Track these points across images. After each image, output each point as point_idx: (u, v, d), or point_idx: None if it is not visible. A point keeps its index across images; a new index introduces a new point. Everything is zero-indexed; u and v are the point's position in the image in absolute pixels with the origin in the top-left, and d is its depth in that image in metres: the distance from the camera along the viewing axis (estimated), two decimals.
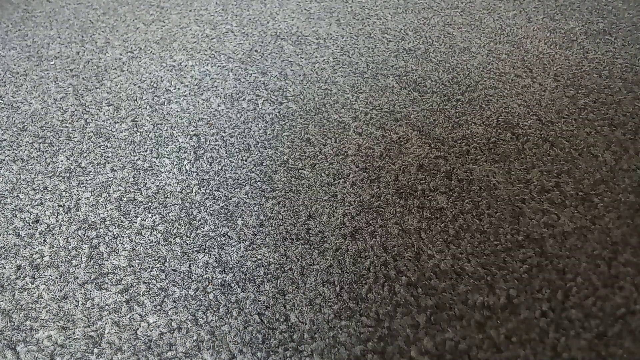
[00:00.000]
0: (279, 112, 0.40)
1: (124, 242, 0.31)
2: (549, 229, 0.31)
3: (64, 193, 0.34)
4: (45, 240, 0.31)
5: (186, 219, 0.32)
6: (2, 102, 0.43)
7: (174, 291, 0.28)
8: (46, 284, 0.29)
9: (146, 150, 0.37)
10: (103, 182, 0.35)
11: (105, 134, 0.39)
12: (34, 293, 0.28)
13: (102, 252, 0.30)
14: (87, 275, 0.29)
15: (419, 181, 0.34)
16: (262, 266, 0.29)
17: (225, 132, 0.38)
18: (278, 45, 0.47)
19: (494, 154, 0.35)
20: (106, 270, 0.29)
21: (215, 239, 0.30)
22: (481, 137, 0.37)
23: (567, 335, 0.26)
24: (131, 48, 0.49)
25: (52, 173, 0.36)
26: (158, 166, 0.36)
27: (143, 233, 0.31)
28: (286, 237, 0.30)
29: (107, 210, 0.33)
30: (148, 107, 0.41)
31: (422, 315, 0.26)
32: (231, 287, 0.28)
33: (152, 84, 0.44)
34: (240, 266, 0.29)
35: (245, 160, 0.36)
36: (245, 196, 0.33)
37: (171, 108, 0.41)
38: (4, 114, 0.42)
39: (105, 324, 0.27)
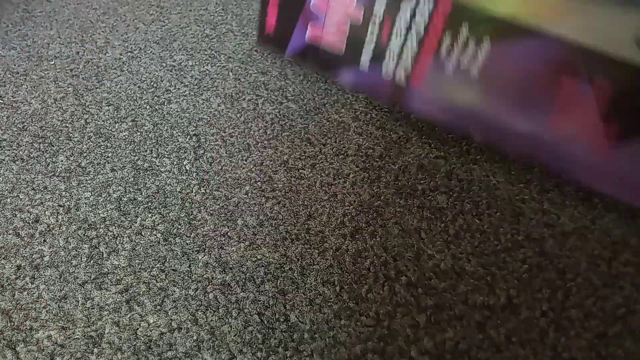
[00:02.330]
0: (279, 112, 0.40)
1: (124, 242, 0.31)
2: (549, 228, 0.31)
3: (64, 193, 0.34)
4: (45, 240, 0.31)
5: (186, 219, 0.32)
6: (2, 102, 0.43)
7: (174, 291, 0.28)
8: (46, 284, 0.29)
9: (146, 150, 0.37)
10: (103, 182, 0.35)
11: (105, 133, 0.39)
12: (34, 293, 0.28)
13: (102, 252, 0.30)
14: (87, 275, 0.29)
15: (419, 181, 0.34)
16: (262, 266, 0.29)
17: (225, 132, 0.38)
18: None
19: (494, 153, 0.35)
20: (106, 270, 0.29)
21: (215, 239, 0.30)
22: None
23: (567, 335, 0.26)
24: (131, 48, 0.49)
25: (52, 173, 0.36)
26: (158, 166, 0.36)
27: (143, 233, 0.31)
28: (286, 237, 0.30)
29: (107, 210, 0.33)
30: (148, 107, 0.41)
31: (422, 315, 0.26)
32: (231, 287, 0.28)
33: (152, 84, 0.44)
34: (240, 266, 0.29)
35: (245, 160, 0.36)
36: (245, 196, 0.33)
37: (171, 108, 0.41)
38: (3, 114, 0.42)
39: (105, 324, 0.27)
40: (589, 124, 0.28)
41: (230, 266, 0.29)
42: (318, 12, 0.34)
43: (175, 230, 0.31)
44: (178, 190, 0.34)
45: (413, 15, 0.31)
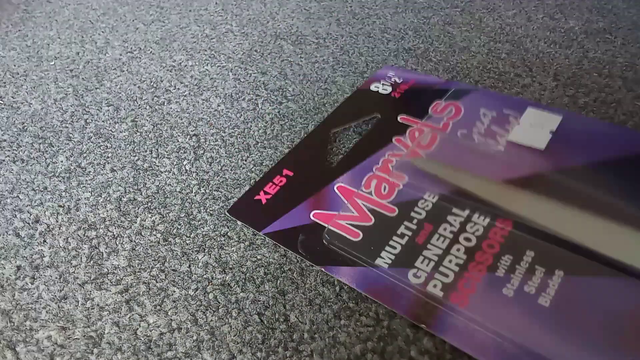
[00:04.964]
0: (278, 111, 0.40)
1: (123, 242, 0.31)
2: None
3: (63, 193, 0.34)
4: (45, 241, 0.31)
5: (186, 219, 0.32)
6: (2, 102, 0.43)
7: (174, 291, 0.28)
8: (46, 284, 0.29)
9: (146, 151, 0.37)
10: (103, 182, 0.35)
11: (105, 134, 0.39)
12: (33, 293, 0.28)
13: (102, 252, 0.30)
14: (87, 276, 0.29)
15: None
16: (262, 266, 0.29)
17: (225, 132, 0.38)
18: (278, 45, 0.47)
19: None
20: (106, 270, 0.29)
21: (215, 239, 0.30)
22: None
23: None
24: (131, 48, 0.49)
25: (52, 173, 0.36)
26: (158, 166, 0.36)
27: (143, 233, 0.31)
28: None
29: (107, 211, 0.33)
30: (148, 107, 0.41)
31: None
32: (231, 287, 0.28)
33: (152, 84, 0.44)
34: (240, 266, 0.29)
35: (245, 160, 0.36)
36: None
37: (171, 108, 0.41)
38: (3, 115, 0.42)
39: (105, 324, 0.27)
40: None
41: (230, 266, 0.29)
42: (338, 198, 0.30)
43: (175, 230, 0.31)
44: (178, 190, 0.34)
45: (462, 229, 0.27)
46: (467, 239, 0.26)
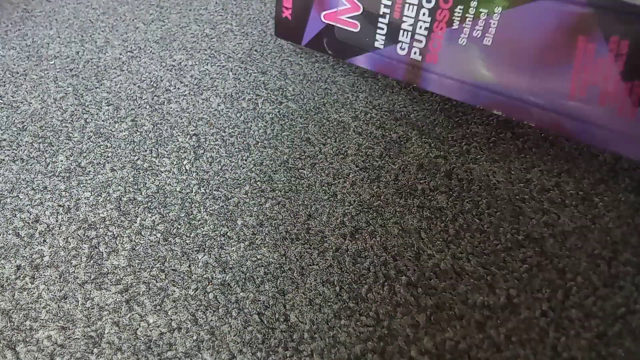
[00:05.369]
0: (278, 111, 0.40)
1: (123, 242, 0.31)
2: (549, 228, 0.31)
3: (63, 193, 0.34)
4: (45, 240, 0.31)
5: (186, 219, 0.32)
6: (1, 101, 0.43)
7: (174, 291, 0.28)
8: (46, 284, 0.29)
9: (146, 150, 0.37)
10: (103, 182, 0.35)
11: (105, 133, 0.39)
12: (33, 293, 0.28)
13: (102, 252, 0.30)
14: (87, 275, 0.29)
15: (419, 181, 0.34)
16: (262, 266, 0.29)
17: (225, 132, 0.38)
18: (278, 45, 0.47)
19: (494, 153, 0.35)
20: (106, 270, 0.29)
21: (215, 239, 0.30)
22: (481, 136, 0.37)
23: (567, 335, 0.26)
24: (131, 48, 0.49)
25: (52, 173, 0.36)
26: (158, 166, 0.36)
27: (143, 233, 0.31)
28: (286, 237, 0.30)
29: (107, 210, 0.33)
30: (148, 106, 0.41)
31: (422, 315, 0.26)
32: (231, 287, 0.28)
33: (151, 83, 0.44)
34: (240, 266, 0.29)
35: (245, 160, 0.36)
36: (245, 196, 0.33)
37: (171, 108, 0.41)
38: (3, 114, 0.42)
39: (105, 324, 0.27)
40: (610, 85, 0.28)
41: (230, 266, 0.29)
42: None
43: (175, 230, 0.31)
44: (178, 190, 0.34)
45: None
46: (429, 1, 0.31)
